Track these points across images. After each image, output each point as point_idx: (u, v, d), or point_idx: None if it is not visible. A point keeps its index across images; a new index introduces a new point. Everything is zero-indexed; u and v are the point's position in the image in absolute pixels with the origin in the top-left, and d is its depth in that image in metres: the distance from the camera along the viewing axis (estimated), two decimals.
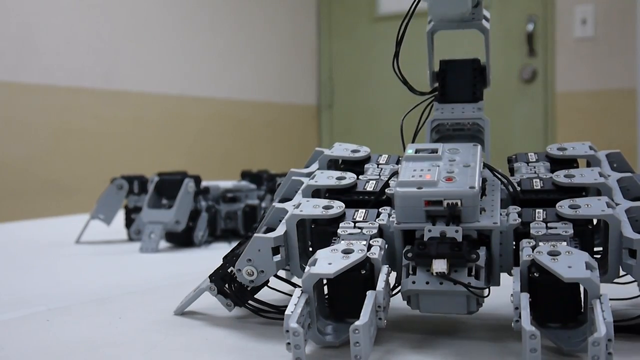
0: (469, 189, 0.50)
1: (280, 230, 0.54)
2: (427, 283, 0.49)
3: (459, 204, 0.50)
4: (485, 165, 0.57)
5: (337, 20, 3.76)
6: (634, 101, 3.25)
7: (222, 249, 1.00)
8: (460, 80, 0.66)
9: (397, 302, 0.54)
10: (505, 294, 0.50)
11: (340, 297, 0.52)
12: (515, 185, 0.55)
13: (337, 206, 0.55)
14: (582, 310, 0.49)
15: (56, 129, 2.65)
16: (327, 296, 0.53)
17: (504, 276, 0.53)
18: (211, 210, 1.11)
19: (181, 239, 1.08)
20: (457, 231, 0.50)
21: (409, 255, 0.49)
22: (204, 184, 1.12)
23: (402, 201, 0.52)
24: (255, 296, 0.59)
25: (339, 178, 0.58)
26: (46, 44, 2.61)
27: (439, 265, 0.48)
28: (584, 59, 3.22)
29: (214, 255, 0.96)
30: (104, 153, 2.80)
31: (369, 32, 3.63)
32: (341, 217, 0.54)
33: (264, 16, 3.54)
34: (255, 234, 0.54)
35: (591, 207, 0.51)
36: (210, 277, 0.59)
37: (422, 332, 0.55)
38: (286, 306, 0.47)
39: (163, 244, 1.09)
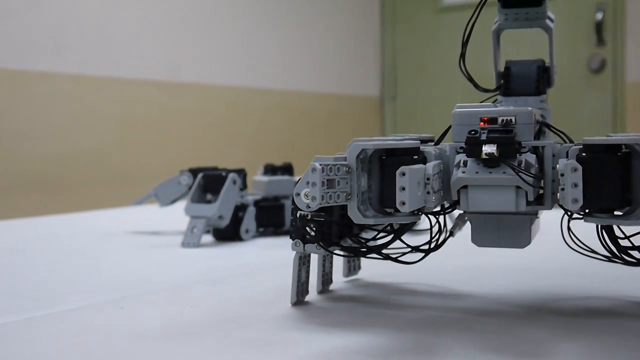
0: (524, 108, 0.54)
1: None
2: (477, 173, 0.51)
3: (514, 120, 0.52)
4: (541, 123, 0.58)
5: (401, 11, 3.73)
6: None
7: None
8: (525, 76, 0.67)
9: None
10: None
11: (389, 189, 0.52)
12: (572, 138, 0.57)
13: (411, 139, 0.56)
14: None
15: (124, 120, 2.70)
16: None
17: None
18: (259, 205, 1.08)
19: (227, 234, 1.04)
20: None
21: (461, 147, 0.52)
22: (276, 178, 1.11)
23: (459, 119, 0.54)
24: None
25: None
26: (115, 37, 2.67)
27: (489, 148, 0.50)
28: None
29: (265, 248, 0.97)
30: (169, 144, 2.85)
31: (433, 23, 3.59)
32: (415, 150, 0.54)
33: (326, 7, 3.54)
34: (316, 156, 0.53)
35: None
36: (290, 236, 0.60)
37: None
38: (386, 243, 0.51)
39: (207, 238, 1.06)
